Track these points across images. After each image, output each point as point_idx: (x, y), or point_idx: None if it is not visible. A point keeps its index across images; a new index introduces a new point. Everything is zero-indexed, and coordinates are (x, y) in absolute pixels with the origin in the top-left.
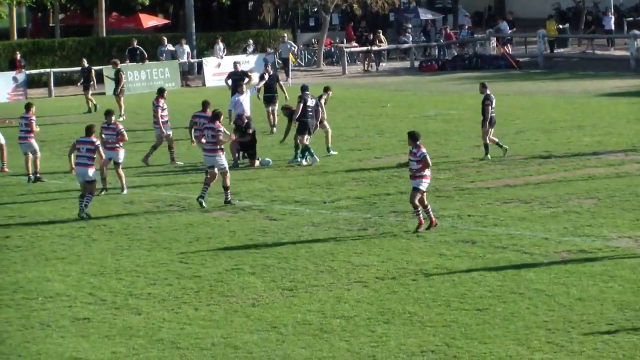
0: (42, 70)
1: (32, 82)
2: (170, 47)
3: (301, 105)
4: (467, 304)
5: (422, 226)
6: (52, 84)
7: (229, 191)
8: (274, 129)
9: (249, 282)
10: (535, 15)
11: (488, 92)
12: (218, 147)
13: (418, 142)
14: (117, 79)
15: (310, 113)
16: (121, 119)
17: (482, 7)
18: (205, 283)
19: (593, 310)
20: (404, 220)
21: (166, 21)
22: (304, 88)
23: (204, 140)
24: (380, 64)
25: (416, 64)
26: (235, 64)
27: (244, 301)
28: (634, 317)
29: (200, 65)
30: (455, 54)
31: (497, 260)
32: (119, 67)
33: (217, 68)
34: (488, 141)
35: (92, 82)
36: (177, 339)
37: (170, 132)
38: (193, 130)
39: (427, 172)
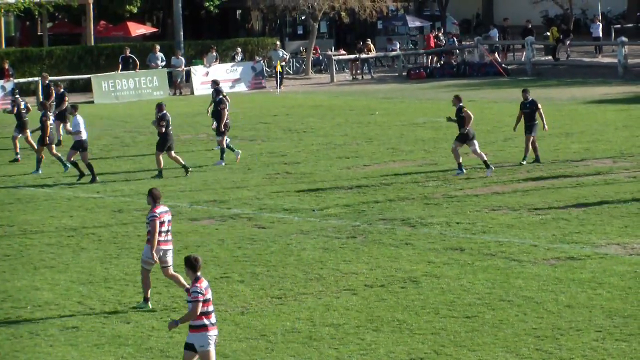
0: (30, 79)
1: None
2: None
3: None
4: (456, 311)
5: None
6: (40, 92)
7: None
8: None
9: (238, 291)
10: (523, 22)
11: (461, 104)
12: None
13: None
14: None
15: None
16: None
17: (470, 14)
18: None
19: (582, 317)
20: (392, 228)
21: (154, 29)
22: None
23: None
24: (372, 72)
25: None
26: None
27: (232, 309)
28: (622, 324)
29: (188, 73)
30: (443, 61)
31: (486, 268)
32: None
33: (205, 77)
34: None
35: None
36: (166, 347)
37: None
38: None
39: None
